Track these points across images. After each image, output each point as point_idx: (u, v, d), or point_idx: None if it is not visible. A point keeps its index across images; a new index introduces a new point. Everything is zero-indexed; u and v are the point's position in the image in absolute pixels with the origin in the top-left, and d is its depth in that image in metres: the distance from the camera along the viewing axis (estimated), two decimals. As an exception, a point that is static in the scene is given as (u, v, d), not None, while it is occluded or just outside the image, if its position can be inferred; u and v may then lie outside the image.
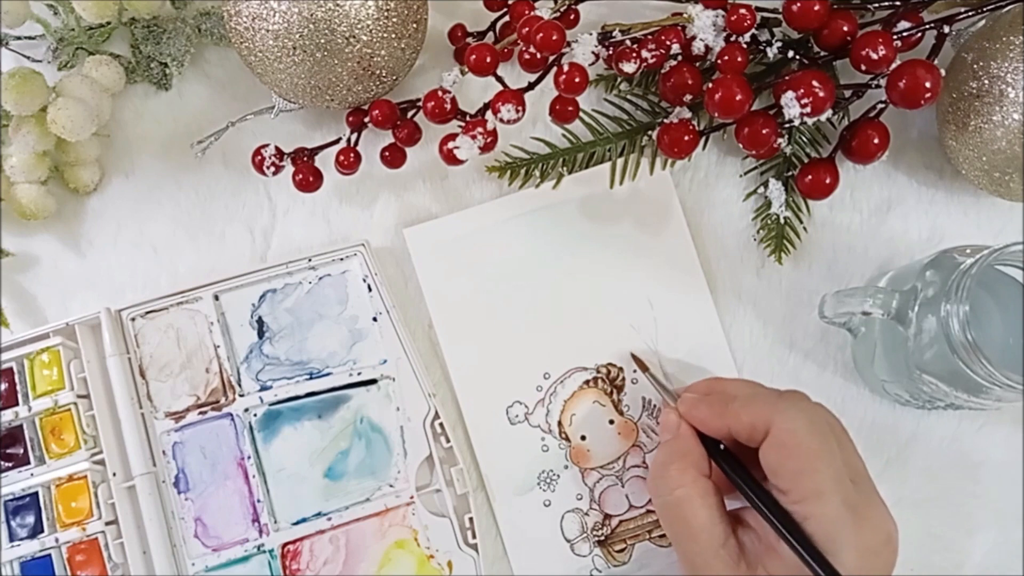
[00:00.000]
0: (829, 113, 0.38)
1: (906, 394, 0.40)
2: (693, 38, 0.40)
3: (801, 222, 0.44)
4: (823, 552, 0.31)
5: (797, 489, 0.33)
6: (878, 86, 0.38)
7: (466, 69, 0.39)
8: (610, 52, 0.39)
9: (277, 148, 0.43)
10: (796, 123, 0.37)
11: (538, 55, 0.38)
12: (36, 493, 0.41)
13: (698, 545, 0.34)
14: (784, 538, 0.32)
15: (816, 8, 0.38)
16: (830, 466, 0.32)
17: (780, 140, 0.40)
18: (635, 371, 0.43)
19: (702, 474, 0.36)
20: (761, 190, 0.45)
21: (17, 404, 0.41)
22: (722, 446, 0.37)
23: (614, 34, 0.39)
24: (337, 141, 0.44)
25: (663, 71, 0.41)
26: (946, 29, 0.39)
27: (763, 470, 0.34)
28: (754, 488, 0.34)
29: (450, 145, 0.39)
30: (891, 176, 0.45)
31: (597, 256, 0.44)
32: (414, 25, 0.41)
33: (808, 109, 0.36)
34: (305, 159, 0.43)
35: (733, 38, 0.40)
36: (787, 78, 0.37)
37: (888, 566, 0.33)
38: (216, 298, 0.43)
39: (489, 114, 0.39)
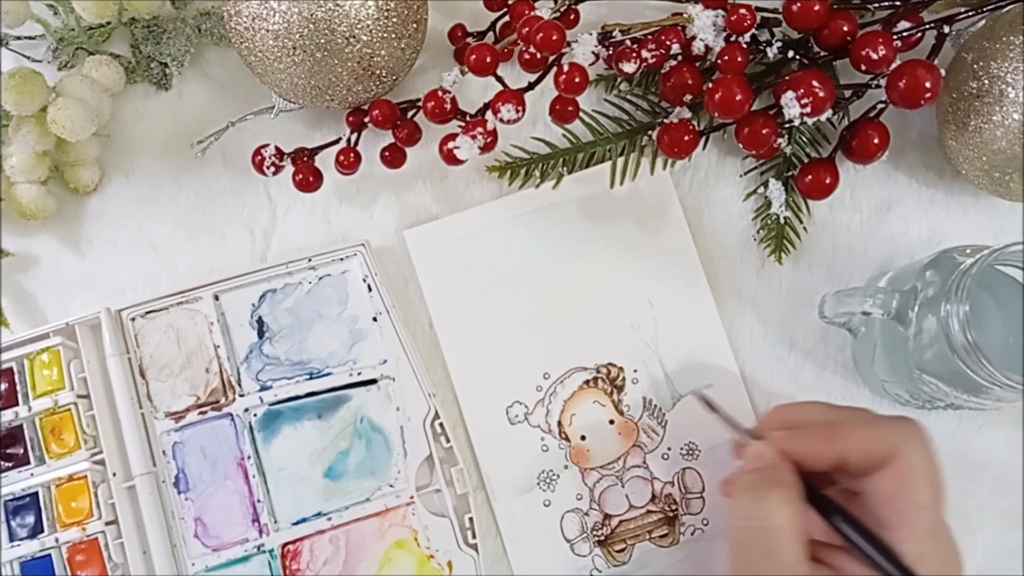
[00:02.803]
0: (829, 113, 0.38)
1: (906, 394, 0.40)
2: (693, 38, 0.40)
3: (801, 222, 0.44)
4: None
5: (912, 525, 0.31)
6: (878, 86, 0.38)
7: (466, 69, 0.39)
8: (610, 52, 0.39)
9: (277, 148, 0.43)
10: (796, 123, 0.37)
11: (538, 55, 0.38)
12: (36, 493, 0.41)
13: None
14: None
15: (816, 8, 0.38)
16: (941, 507, 0.32)
17: (780, 140, 0.40)
18: (635, 371, 0.43)
19: (802, 510, 0.32)
20: (761, 190, 0.45)
21: (17, 404, 0.41)
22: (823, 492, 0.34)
23: (614, 34, 0.39)
24: (337, 141, 0.44)
25: (663, 71, 0.41)
26: (946, 29, 0.39)
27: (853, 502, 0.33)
28: (865, 532, 0.32)
29: (450, 145, 0.39)
30: (891, 176, 0.45)
31: (597, 256, 0.44)
32: (414, 25, 0.41)
33: (808, 109, 0.36)
34: (305, 159, 0.43)
35: (733, 38, 0.40)
36: (787, 78, 0.37)
37: None
38: (216, 298, 0.43)
39: (489, 114, 0.39)
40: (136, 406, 0.42)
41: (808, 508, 0.33)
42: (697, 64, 0.41)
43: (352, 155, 0.43)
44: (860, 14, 0.41)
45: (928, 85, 0.36)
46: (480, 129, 0.39)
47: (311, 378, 0.43)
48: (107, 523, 0.40)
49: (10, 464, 0.41)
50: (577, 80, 0.37)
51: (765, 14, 0.41)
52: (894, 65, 0.37)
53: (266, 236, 0.46)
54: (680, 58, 0.41)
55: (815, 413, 0.36)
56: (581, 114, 0.43)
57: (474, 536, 0.41)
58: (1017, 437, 0.43)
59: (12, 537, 0.40)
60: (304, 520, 0.42)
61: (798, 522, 0.32)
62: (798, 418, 0.36)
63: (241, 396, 0.42)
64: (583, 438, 0.43)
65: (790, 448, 0.34)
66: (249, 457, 0.42)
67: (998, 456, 0.43)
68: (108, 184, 0.47)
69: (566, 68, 0.37)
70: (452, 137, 0.39)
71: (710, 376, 0.43)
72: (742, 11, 0.39)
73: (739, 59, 0.39)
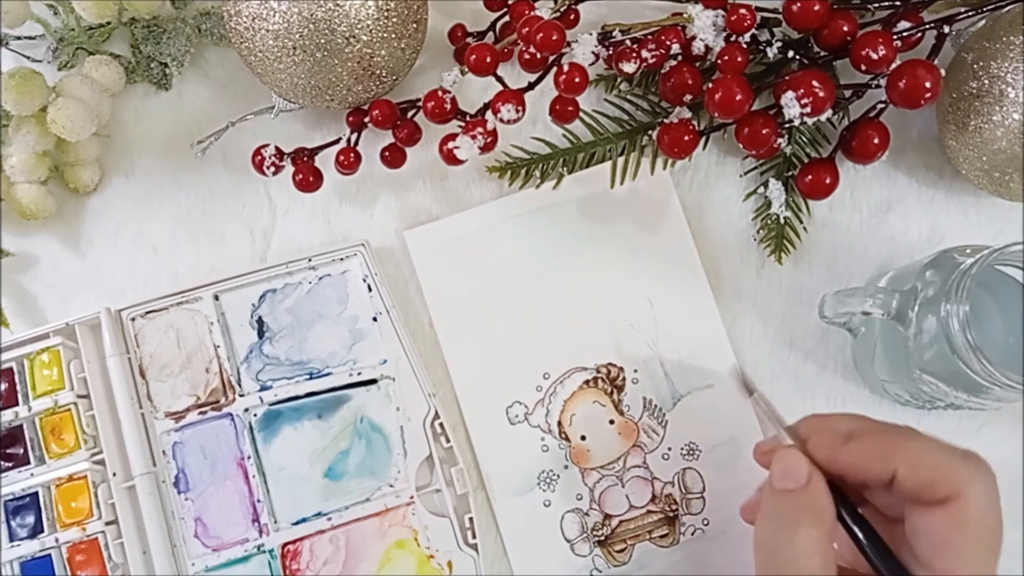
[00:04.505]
0: (829, 113, 0.38)
1: (906, 394, 0.40)
2: (693, 38, 0.40)
3: (801, 222, 0.44)
4: None
5: (960, 571, 0.28)
6: (878, 86, 0.38)
7: (466, 69, 0.39)
8: (610, 52, 0.39)
9: (277, 148, 0.43)
10: (796, 123, 0.37)
11: (538, 55, 0.38)
12: (36, 493, 0.41)
13: None
14: None
15: (816, 8, 0.38)
16: (997, 558, 0.29)
17: (780, 140, 0.40)
18: (635, 370, 0.43)
19: (833, 542, 0.30)
20: (761, 190, 0.45)
21: (17, 404, 0.41)
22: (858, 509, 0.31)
23: (614, 34, 0.39)
24: (337, 141, 0.44)
25: (663, 71, 0.41)
26: (946, 29, 0.39)
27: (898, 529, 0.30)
28: (891, 558, 0.30)
29: (450, 145, 0.39)
30: (891, 176, 0.45)
31: (597, 256, 0.44)
32: (414, 25, 0.41)
33: (808, 109, 0.36)
34: (305, 159, 0.43)
35: (733, 38, 0.40)
36: (787, 78, 0.37)
37: None
38: (216, 298, 0.43)
39: (489, 114, 0.39)
40: (136, 406, 0.42)
41: (838, 527, 0.31)
42: (697, 64, 0.41)
43: (352, 155, 0.43)
44: (860, 14, 0.41)
45: (928, 85, 0.36)
46: (480, 129, 0.39)
47: (311, 378, 0.43)
48: (107, 523, 0.40)
49: (10, 464, 0.41)
50: (577, 80, 0.37)
51: (765, 14, 0.41)
52: (894, 65, 0.37)
53: (266, 236, 0.46)
54: (680, 58, 0.41)
55: (847, 423, 0.32)
56: (581, 114, 0.43)
57: (474, 536, 0.41)
58: (1017, 437, 0.43)
59: (12, 537, 0.40)
60: (304, 520, 0.42)
61: (829, 558, 0.29)
62: (831, 429, 0.32)
63: (241, 396, 0.42)
64: (583, 438, 0.43)
65: (835, 457, 0.31)
66: (249, 457, 0.42)
67: (998, 456, 0.42)
68: (108, 184, 0.47)
69: (566, 68, 0.37)
70: (452, 137, 0.39)
71: (710, 376, 0.43)
72: (742, 11, 0.39)
73: (739, 59, 0.39)
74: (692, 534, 0.42)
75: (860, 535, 0.30)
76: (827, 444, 0.31)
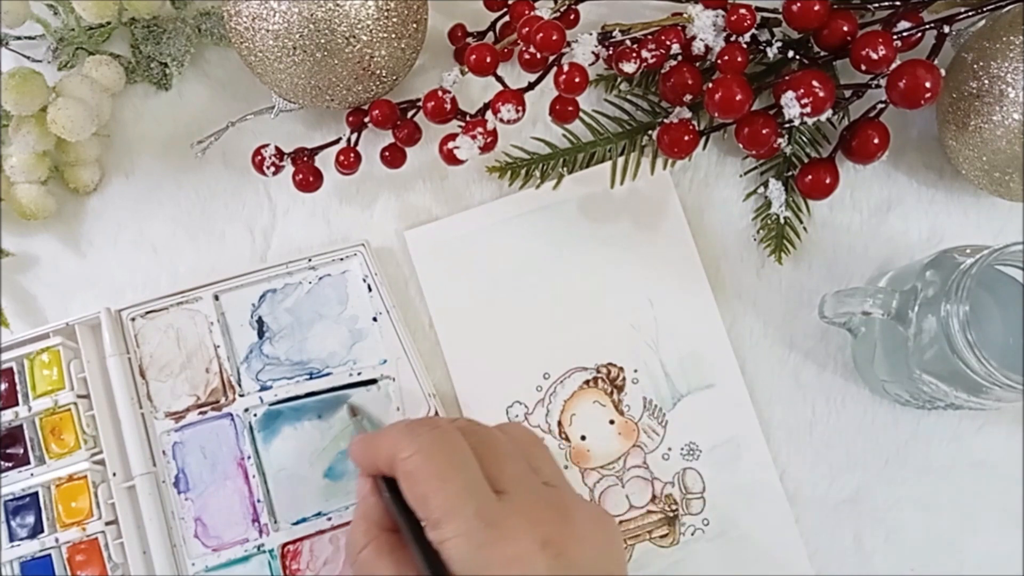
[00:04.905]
0: (829, 113, 0.38)
1: (906, 394, 0.40)
2: (693, 38, 0.40)
3: (801, 222, 0.44)
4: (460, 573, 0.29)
5: (428, 516, 0.30)
6: (878, 86, 0.38)
7: (466, 69, 0.39)
8: (610, 52, 0.39)
9: (277, 148, 0.43)
10: (796, 123, 0.37)
11: (538, 55, 0.38)
12: (36, 493, 0.41)
13: None
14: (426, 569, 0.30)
15: (816, 8, 0.38)
16: (455, 483, 0.30)
17: (780, 140, 0.40)
18: (635, 370, 0.43)
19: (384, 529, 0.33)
20: (761, 190, 0.45)
21: (17, 404, 0.41)
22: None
23: (614, 34, 0.39)
24: (337, 141, 0.44)
25: (663, 71, 0.41)
26: (946, 29, 0.39)
27: None
28: (407, 523, 0.32)
29: (450, 145, 0.39)
30: (891, 176, 0.45)
31: (597, 256, 0.44)
32: (414, 25, 0.41)
33: (808, 109, 0.36)
34: (305, 159, 0.43)
35: (733, 38, 0.40)
36: (787, 78, 0.37)
37: (554, 558, 0.29)
38: (216, 298, 0.43)
39: (489, 114, 0.39)
40: (136, 406, 0.42)
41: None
42: (697, 64, 0.41)
43: (352, 155, 0.43)
44: (860, 14, 0.41)
45: (928, 85, 0.36)
46: (480, 129, 0.39)
47: (311, 378, 0.43)
48: (107, 523, 0.40)
49: (10, 464, 0.41)
50: (577, 80, 0.37)
51: (765, 14, 0.41)
52: (894, 65, 0.37)
53: (266, 236, 0.46)
54: (680, 58, 0.41)
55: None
56: (581, 114, 0.43)
57: (474, 536, 0.41)
58: (1017, 437, 0.43)
59: (12, 537, 0.40)
60: (304, 520, 0.42)
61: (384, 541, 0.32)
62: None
63: (241, 396, 0.42)
64: (583, 438, 0.43)
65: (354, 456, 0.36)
66: (249, 457, 0.42)
67: (998, 456, 0.43)
68: (108, 184, 0.47)
69: (566, 68, 0.37)
70: (452, 137, 0.39)
71: (710, 376, 0.43)
72: (742, 11, 0.39)
73: (739, 59, 0.39)
74: (692, 534, 0.42)
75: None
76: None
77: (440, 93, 0.40)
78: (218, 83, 0.48)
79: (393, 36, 0.40)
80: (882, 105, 0.39)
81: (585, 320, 0.44)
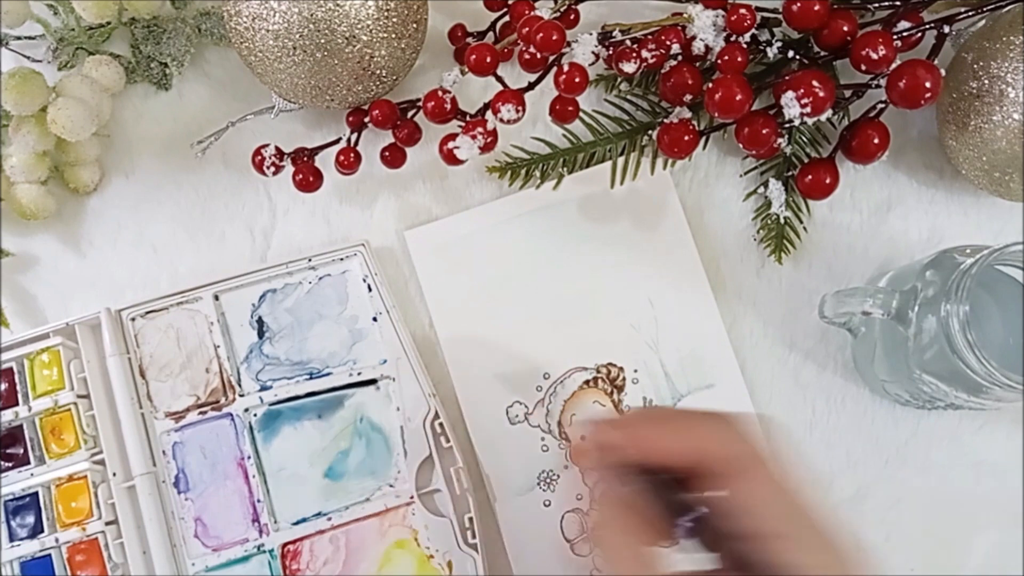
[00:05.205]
0: (829, 113, 0.38)
1: (906, 394, 0.40)
2: (693, 38, 0.40)
3: (801, 222, 0.44)
4: None
5: (760, 528, 0.27)
6: (878, 86, 0.38)
7: (466, 69, 0.39)
8: (610, 52, 0.39)
9: (277, 148, 0.43)
10: (796, 123, 0.37)
11: (538, 55, 0.38)
12: (36, 493, 0.41)
13: None
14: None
15: (816, 8, 0.38)
16: (780, 472, 0.28)
17: (780, 140, 0.40)
18: (635, 370, 0.43)
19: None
20: (761, 190, 0.45)
21: (17, 404, 0.41)
22: None
23: (614, 34, 0.39)
24: (337, 141, 0.44)
25: (663, 71, 0.41)
26: (946, 29, 0.39)
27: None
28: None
29: (450, 145, 0.39)
30: (891, 176, 0.45)
31: (597, 256, 0.44)
32: (414, 25, 0.41)
33: (808, 109, 0.36)
34: (305, 159, 0.43)
35: (733, 38, 0.40)
36: (787, 78, 0.37)
37: None
38: (216, 298, 0.43)
39: (489, 114, 0.39)
40: (136, 406, 0.42)
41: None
42: (697, 64, 0.41)
43: (352, 155, 0.43)
44: (860, 14, 0.41)
45: (928, 85, 0.36)
46: (480, 129, 0.39)
47: (311, 378, 0.43)
48: (107, 523, 0.40)
49: (10, 464, 0.41)
50: (577, 80, 0.37)
51: (765, 14, 0.41)
52: (894, 65, 0.37)
53: (266, 236, 0.46)
54: (680, 58, 0.41)
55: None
56: (581, 114, 0.43)
57: (474, 536, 0.41)
58: (1017, 437, 0.43)
59: (12, 537, 0.40)
60: (304, 520, 0.42)
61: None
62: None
63: (241, 396, 0.42)
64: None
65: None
66: (249, 457, 0.42)
67: (998, 456, 0.43)
68: (108, 184, 0.47)
69: (566, 68, 0.37)
70: (452, 137, 0.39)
71: (710, 376, 0.43)
72: (742, 11, 0.39)
73: (739, 59, 0.39)
74: (692, 534, 0.42)
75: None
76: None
77: (440, 93, 0.40)
78: (218, 83, 0.48)
79: (393, 36, 0.40)
80: (882, 105, 0.39)
81: (585, 320, 0.44)
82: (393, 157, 0.44)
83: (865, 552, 0.28)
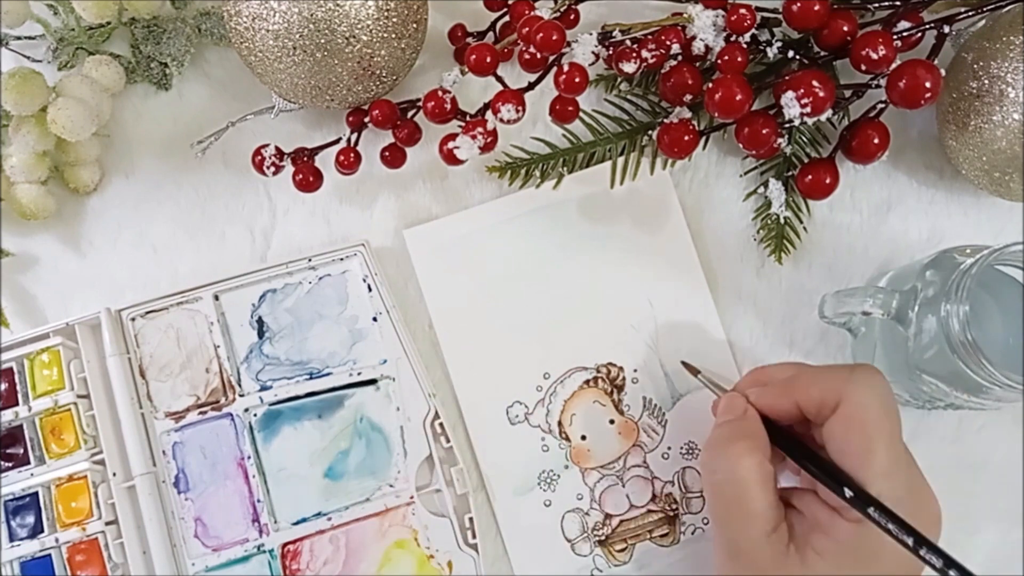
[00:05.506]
0: (829, 113, 0.38)
1: (906, 394, 0.40)
2: (693, 38, 0.40)
3: (801, 222, 0.44)
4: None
5: (865, 467, 0.32)
6: (878, 86, 0.38)
7: (466, 69, 0.39)
8: (610, 52, 0.39)
9: (277, 148, 0.43)
10: (796, 123, 0.37)
11: (538, 55, 0.38)
12: (36, 493, 0.41)
13: (751, 529, 0.33)
14: (869, 516, 0.31)
15: (816, 8, 0.38)
16: (896, 446, 0.33)
17: (780, 140, 0.40)
18: (635, 370, 0.43)
19: (767, 457, 0.34)
20: (761, 190, 0.45)
21: (17, 404, 0.41)
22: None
23: (614, 34, 0.39)
24: (337, 141, 0.44)
25: (663, 71, 0.41)
26: (946, 29, 0.39)
27: (824, 451, 0.34)
28: (825, 466, 0.34)
29: (450, 145, 0.39)
30: (891, 176, 0.45)
31: (597, 256, 0.44)
32: (414, 25, 0.41)
33: (808, 109, 0.36)
34: (305, 159, 0.43)
35: (733, 38, 0.40)
36: (787, 78, 0.37)
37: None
38: (216, 298, 0.43)
39: (489, 114, 0.39)
40: (136, 406, 0.42)
41: (780, 457, 0.35)
42: (697, 64, 0.41)
43: (352, 155, 0.43)
44: (860, 14, 0.41)
45: (928, 85, 0.36)
46: (480, 129, 0.39)
47: (311, 378, 0.43)
48: (107, 523, 0.40)
49: (10, 464, 0.41)
50: (577, 80, 0.37)
51: (765, 14, 0.41)
52: (894, 65, 0.37)
53: (266, 236, 0.46)
54: (680, 58, 0.41)
55: (786, 371, 0.38)
56: (581, 114, 0.43)
57: (474, 536, 0.41)
58: (1017, 437, 0.43)
59: (12, 537, 0.40)
60: (304, 520, 0.42)
61: (763, 470, 0.34)
62: (770, 377, 0.38)
63: (241, 396, 0.42)
64: (583, 438, 0.43)
65: (756, 403, 0.36)
66: (249, 457, 0.42)
67: (998, 456, 0.43)
68: (108, 184, 0.47)
69: (566, 68, 0.37)
70: (452, 137, 0.39)
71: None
72: (742, 11, 0.39)
73: (739, 59, 0.39)
74: (692, 533, 0.42)
75: (796, 456, 0.35)
76: (750, 395, 0.37)
77: (440, 93, 0.40)
78: (218, 83, 0.48)
79: (393, 36, 0.40)
80: (882, 105, 0.39)
81: (585, 320, 0.44)
82: (393, 157, 0.44)
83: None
